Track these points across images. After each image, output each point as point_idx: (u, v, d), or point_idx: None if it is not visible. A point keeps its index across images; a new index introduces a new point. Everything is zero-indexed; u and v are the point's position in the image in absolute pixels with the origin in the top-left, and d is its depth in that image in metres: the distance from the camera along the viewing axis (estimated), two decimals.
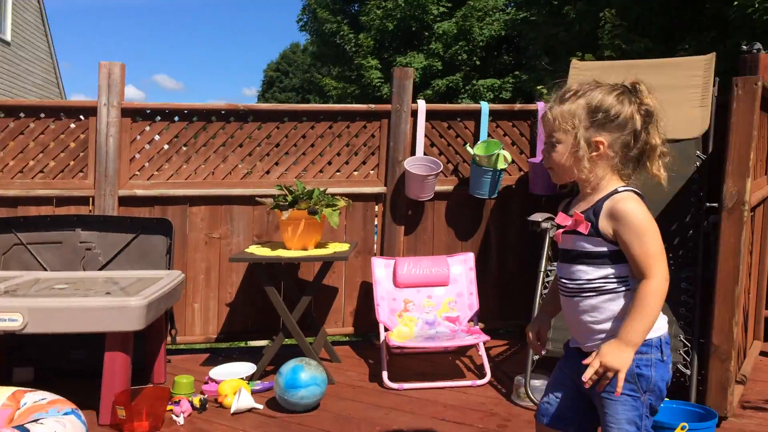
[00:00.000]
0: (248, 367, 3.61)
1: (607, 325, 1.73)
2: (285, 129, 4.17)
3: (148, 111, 4.06)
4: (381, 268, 3.94)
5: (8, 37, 14.77)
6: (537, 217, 3.58)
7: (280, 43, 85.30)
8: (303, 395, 3.07)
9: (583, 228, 1.72)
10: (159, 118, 4.06)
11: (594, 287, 1.73)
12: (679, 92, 3.57)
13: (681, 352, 3.12)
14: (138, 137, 4.04)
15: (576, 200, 1.85)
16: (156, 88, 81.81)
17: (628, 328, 1.65)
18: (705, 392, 2.99)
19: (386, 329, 3.71)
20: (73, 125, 3.98)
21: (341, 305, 4.29)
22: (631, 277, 1.72)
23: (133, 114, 4.02)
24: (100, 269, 3.67)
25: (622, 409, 1.70)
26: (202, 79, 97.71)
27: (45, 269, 3.64)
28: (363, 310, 4.26)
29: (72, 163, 3.98)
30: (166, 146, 4.08)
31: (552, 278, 3.37)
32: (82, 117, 3.99)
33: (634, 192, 1.73)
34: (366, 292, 4.22)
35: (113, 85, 3.97)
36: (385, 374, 3.52)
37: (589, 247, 1.73)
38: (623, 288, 1.72)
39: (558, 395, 1.86)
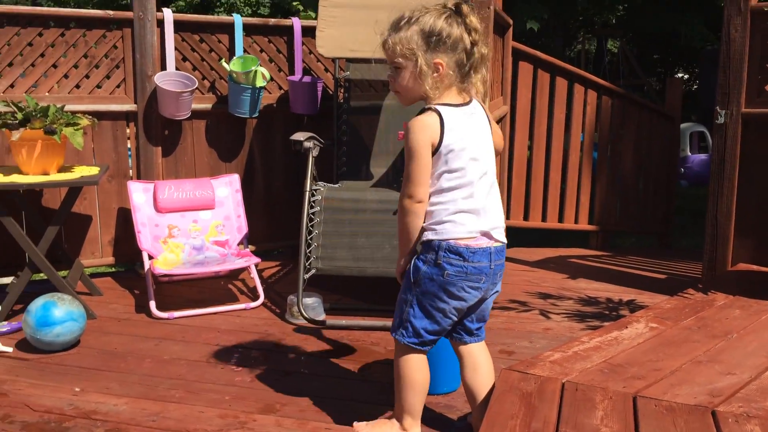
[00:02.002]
0: None
1: None
2: (5, 35, 3.61)
3: None
4: (139, 193, 3.71)
5: None
6: (299, 136, 3.58)
7: None
8: (59, 332, 2.86)
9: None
10: None
11: None
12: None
13: None
14: None
15: None
16: None
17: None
18: None
19: (151, 257, 3.55)
20: None
21: (98, 234, 3.99)
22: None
23: None
24: None
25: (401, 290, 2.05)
26: None
27: None
28: (123, 238, 4.01)
29: None
30: None
31: (319, 197, 3.44)
32: None
33: (435, 110, 1.87)
34: (125, 219, 3.96)
35: None
36: (152, 304, 3.39)
37: None
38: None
39: None
